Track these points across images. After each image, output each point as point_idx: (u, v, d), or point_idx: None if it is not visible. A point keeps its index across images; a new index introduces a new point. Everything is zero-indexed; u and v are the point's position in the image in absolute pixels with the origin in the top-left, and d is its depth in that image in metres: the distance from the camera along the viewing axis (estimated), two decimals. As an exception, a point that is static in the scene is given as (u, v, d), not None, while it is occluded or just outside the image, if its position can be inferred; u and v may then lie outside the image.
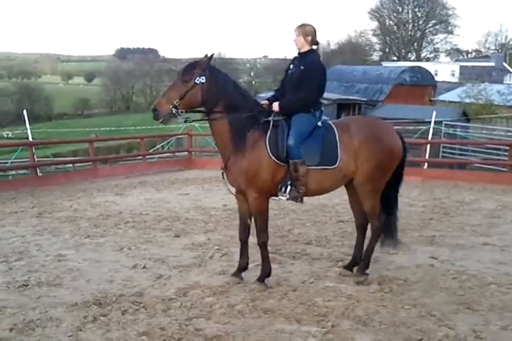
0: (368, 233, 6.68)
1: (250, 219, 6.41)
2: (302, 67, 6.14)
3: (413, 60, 69.06)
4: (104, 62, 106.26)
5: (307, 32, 6.19)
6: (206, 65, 5.93)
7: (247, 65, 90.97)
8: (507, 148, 16.12)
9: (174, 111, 5.85)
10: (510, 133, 21.47)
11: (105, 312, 5.48)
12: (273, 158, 5.97)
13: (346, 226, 9.13)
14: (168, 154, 20.27)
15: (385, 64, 58.93)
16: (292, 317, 5.38)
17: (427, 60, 73.51)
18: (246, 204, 6.28)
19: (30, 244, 8.06)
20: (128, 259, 7.34)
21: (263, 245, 6.29)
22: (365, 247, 6.70)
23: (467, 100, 30.31)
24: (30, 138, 16.53)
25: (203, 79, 5.88)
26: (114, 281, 6.46)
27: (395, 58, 73.72)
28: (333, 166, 6.08)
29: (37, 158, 15.68)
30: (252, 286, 6.20)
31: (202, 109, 6.12)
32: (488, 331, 5.16)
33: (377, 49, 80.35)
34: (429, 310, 5.60)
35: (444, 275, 6.72)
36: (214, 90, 5.93)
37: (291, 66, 6.35)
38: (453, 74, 59.02)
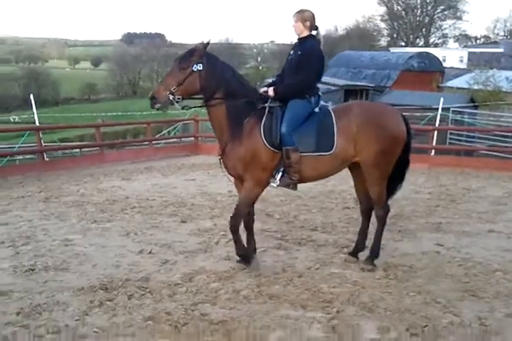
0: (373, 219, 6.67)
1: (253, 206, 6.42)
2: (300, 53, 6.13)
3: (421, 46, 68.66)
4: (111, 47, 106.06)
5: (305, 17, 6.17)
6: (203, 52, 5.91)
7: (254, 50, 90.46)
8: (515, 135, 16.05)
9: (171, 97, 5.85)
10: (517, 120, 21.35)
11: (111, 296, 5.51)
12: (267, 144, 5.97)
13: (352, 212, 9.12)
14: (175, 139, 20.28)
15: (392, 49, 58.55)
16: (297, 303, 5.39)
17: (435, 45, 73.00)
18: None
19: (37, 228, 8.10)
20: (134, 244, 7.36)
21: (234, 229, 6.26)
22: (369, 234, 6.72)
23: (475, 87, 30.13)
24: (37, 123, 16.53)
25: (200, 67, 5.88)
26: (121, 266, 6.48)
27: (403, 44, 73.26)
28: (329, 152, 6.05)
29: (44, 142, 15.68)
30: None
31: (200, 96, 6.11)
32: (493, 318, 5.16)
33: (385, 34, 79.88)
34: (434, 296, 5.61)
35: (449, 263, 6.72)
36: (212, 77, 5.94)
37: (291, 52, 6.33)
38: (461, 61, 58.61)
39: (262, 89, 6.27)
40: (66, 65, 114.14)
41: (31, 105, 16.64)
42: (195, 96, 6.15)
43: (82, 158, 15.85)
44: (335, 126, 6.06)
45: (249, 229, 6.52)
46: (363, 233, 6.75)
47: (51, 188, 11.27)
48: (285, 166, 6.04)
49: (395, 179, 6.52)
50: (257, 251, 6.66)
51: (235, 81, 6.08)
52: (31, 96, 17.33)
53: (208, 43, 5.94)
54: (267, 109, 6.05)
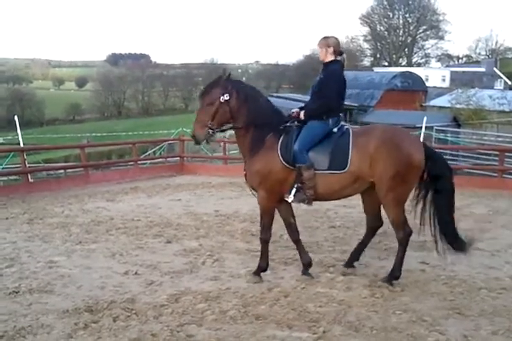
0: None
1: (294, 218, 6.81)
2: (322, 77, 6.46)
3: (404, 66, 69.35)
4: (95, 68, 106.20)
5: (329, 44, 6.49)
6: (228, 83, 6.34)
7: (239, 71, 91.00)
8: (497, 153, 16.18)
9: (211, 132, 6.40)
10: (500, 139, 21.58)
11: (96, 318, 5.47)
12: (283, 161, 6.27)
13: (337, 231, 9.14)
14: (160, 159, 20.20)
15: (376, 69, 59.17)
16: (284, 323, 5.38)
17: (418, 65, 73.88)
18: (284, 206, 6.67)
19: (21, 250, 8.03)
20: (119, 265, 7.32)
21: (264, 242, 6.65)
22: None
23: (458, 106, 30.46)
24: (22, 144, 16.47)
25: (227, 97, 6.29)
26: (106, 288, 6.44)
27: (386, 64, 74.13)
28: (342, 171, 6.23)
29: (28, 163, 15.59)
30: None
31: (231, 124, 6.58)
32: (478, 336, 5.18)
33: (369, 54, 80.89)
34: (420, 315, 5.62)
35: (434, 281, 6.75)
36: (241, 104, 6.38)
37: (318, 77, 6.62)
38: (443, 80, 59.26)
39: (293, 111, 6.58)
40: (50, 85, 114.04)
41: (15, 126, 16.60)
42: (227, 126, 6.66)
43: (67, 179, 15.76)
44: (350, 145, 6.26)
45: (296, 242, 6.82)
46: (361, 244, 6.92)
47: (35, 209, 11.19)
48: (299, 182, 6.27)
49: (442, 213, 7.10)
50: (244, 271, 6.65)
51: (262, 105, 6.49)
52: (15, 117, 17.32)
53: (229, 74, 6.39)
54: (285, 128, 6.40)
